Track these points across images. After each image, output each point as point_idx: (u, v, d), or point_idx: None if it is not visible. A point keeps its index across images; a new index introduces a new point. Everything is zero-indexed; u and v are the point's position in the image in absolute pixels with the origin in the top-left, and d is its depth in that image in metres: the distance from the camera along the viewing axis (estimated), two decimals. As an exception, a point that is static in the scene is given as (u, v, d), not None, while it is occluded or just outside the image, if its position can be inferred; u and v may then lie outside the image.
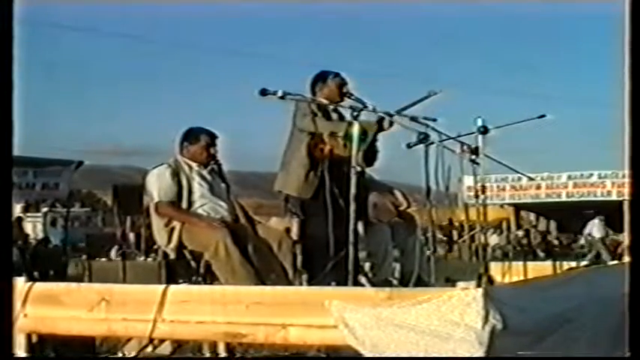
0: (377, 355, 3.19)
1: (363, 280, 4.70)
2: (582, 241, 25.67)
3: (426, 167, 4.21)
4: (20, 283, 4.09)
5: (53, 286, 4.48)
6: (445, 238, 25.36)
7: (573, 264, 7.25)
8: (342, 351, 3.71)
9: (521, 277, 5.62)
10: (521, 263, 6.14)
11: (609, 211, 20.93)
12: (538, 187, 25.67)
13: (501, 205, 26.81)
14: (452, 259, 19.83)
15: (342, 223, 4.53)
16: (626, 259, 4.02)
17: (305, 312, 3.46)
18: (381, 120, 4.90)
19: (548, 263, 7.51)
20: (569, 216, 26.88)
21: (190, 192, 4.99)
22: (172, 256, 4.90)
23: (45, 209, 27.60)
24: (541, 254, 21.20)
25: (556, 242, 26.76)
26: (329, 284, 4.30)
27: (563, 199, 25.45)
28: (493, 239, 22.98)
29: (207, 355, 4.87)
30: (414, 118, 4.54)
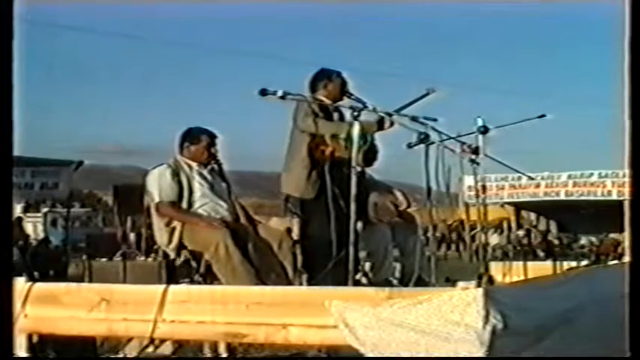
0: (377, 355, 3.19)
1: (363, 280, 4.70)
2: (583, 241, 25.73)
3: (426, 167, 4.21)
4: (20, 283, 4.10)
5: (53, 286, 4.48)
6: (445, 238, 25.37)
7: (574, 264, 7.25)
8: (342, 351, 3.71)
9: (522, 277, 5.62)
10: (521, 263, 6.15)
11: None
12: (537, 187, 25.65)
13: (502, 205, 26.78)
14: (452, 259, 19.84)
15: (342, 223, 4.53)
16: (626, 259, 4.02)
17: (305, 312, 3.46)
18: (381, 120, 4.90)
19: (549, 263, 7.51)
20: (570, 216, 26.88)
21: (191, 192, 4.99)
22: (173, 256, 4.91)
23: (45, 209, 27.58)
24: (541, 254, 21.20)
25: (556, 242, 26.75)
26: (329, 284, 4.30)
27: (563, 198, 25.41)
28: (493, 239, 22.97)
29: (208, 355, 4.87)
30: (414, 118, 4.54)
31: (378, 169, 5.36)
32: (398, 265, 5.36)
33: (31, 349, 4.15)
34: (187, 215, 4.93)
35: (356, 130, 4.47)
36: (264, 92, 4.40)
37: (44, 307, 4.07)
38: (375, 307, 3.23)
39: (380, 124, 4.92)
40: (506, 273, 5.60)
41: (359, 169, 4.44)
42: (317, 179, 5.02)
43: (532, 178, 23.31)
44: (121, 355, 4.63)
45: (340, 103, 5.22)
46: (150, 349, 4.17)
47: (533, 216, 30.47)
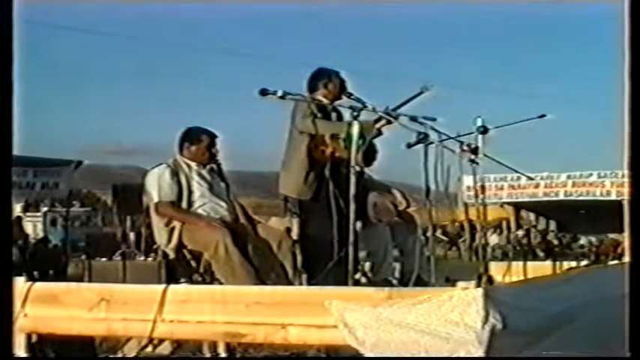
0: (377, 355, 3.19)
1: (362, 279, 4.70)
2: (582, 241, 25.73)
3: (426, 167, 4.21)
4: (20, 283, 4.09)
5: (53, 285, 4.48)
6: (445, 238, 25.39)
7: (573, 264, 7.25)
8: (342, 351, 3.71)
9: (521, 277, 5.61)
10: (521, 263, 6.14)
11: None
12: (537, 187, 25.65)
13: (501, 205, 26.79)
14: (452, 259, 19.85)
15: (341, 223, 4.53)
16: (626, 259, 4.02)
17: (305, 312, 3.46)
18: (379, 120, 4.90)
19: (548, 263, 7.51)
20: (569, 216, 26.90)
21: (190, 192, 4.99)
22: (172, 256, 4.91)
23: (45, 209, 27.59)
24: (541, 254, 21.22)
25: (556, 242, 26.77)
26: (329, 284, 4.30)
27: (563, 198, 25.42)
28: (493, 239, 22.99)
29: (207, 355, 4.87)
30: (413, 118, 4.54)
31: (378, 169, 5.36)
32: (397, 265, 5.37)
33: (31, 348, 4.14)
34: (187, 215, 4.93)
35: (355, 130, 4.46)
36: (264, 92, 4.40)
37: (44, 307, 4.06)
38: (374, 307, 3.23)
39: (379, 130, 4.92)
40: (506, 273, 5.59)
41: (358, 168, 4.44)
42: (316, 179, 5.02)
43: (531, 178, 23.29)
44: (120, 355, 4.63)
45: (339, 102, 5.22)
46: (149, 349, 4.17)
47: (532, 216, 30.50)
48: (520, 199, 26.47)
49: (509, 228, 28.28)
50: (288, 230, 5.15)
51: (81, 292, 4.09)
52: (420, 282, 4.46)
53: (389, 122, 4.87)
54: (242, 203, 5.34)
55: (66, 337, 4.19)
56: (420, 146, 4.28)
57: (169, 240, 4.88)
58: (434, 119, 4.46)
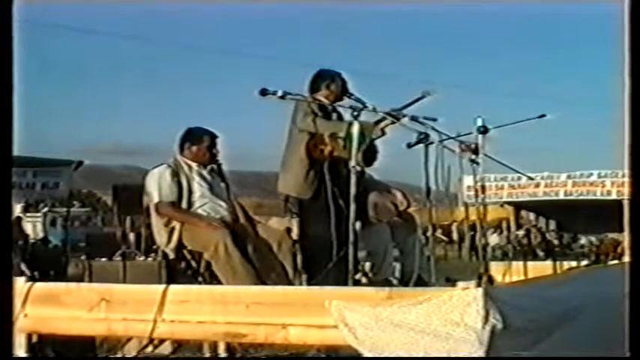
0: (377, 355, 3.19)
1: (362, 279, 4.70)
2: (583, 241, 25.71)
3: (426, 167, 4.21)
4: (20, 283, 4.09)
5: (53, 286, 4.48)
6: (445, 238, 25.37)
7: (574, 264, 7.25)
8: (342, 351, 3.71)
9: (521, 277, 5.62)
10: (521, 263, 6.14)
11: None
12: (537, 186, 25.64)
13: (501, 205, 26.78)
14: (452, 259, 19.83)
15: (342, 222, 4.53)
16: (626, 259, 4.02)
17: (305, 312, 3.46)
18: (381, 120, 4.90)
19: (549, 263, 7.51)
20: (570, 216, 26.86)
21: (190, 192, 4.99)
22: (172, 256, 4.91)
23: (45, 209, 27.59)
24: (541, 254, 21.20)
25: (556, 242, 26.75)
26: (329, 284, 4.30)
27: (563, 198, 25.41)
28: (493, 239, 22.97)
29: (207, 355, 4.87)
30: (413, 118, 4.54)
31: (378, 169, 5.36)
32: (398, 265, 5.36)
33: (31, 348, 4.15)
34: (187, 215, 4.93)
35: (355, 130, 4.47)
36: (264, 92, 4.40)
37: (44, 307, 4.06)
38: (374, 307, 3.23)
39: (383, 130, 4.92)
40: (506, 273, 5.59)
41: (359, 168, 4.44)
42: (315, 179, 5.02)
43: (531, 178, 23.28)
44: (120, 355, 4.63)
45: (340, 103, 5.22)
46: (149, 349, 4.17)
47: (532, 216, 30.48)
48: (520, 199, 26.45)
49: (509, 228, 28.26)
50: (288, 230, 5.15)
51: (81, 292, 4.09)
52: (420, 282, 4.46)
53: (392, 122, 4.87)
54: (242, 203, 5.34)
55: (66, 337, 4.19)
56: (421, 146, 4.28)
57: (169, 240, 4.88)
58: (434, 119, 4.47)
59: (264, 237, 4.94)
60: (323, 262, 4.66)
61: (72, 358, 4.43)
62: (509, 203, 26.91)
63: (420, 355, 3.09)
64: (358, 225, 4.43)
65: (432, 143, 4.24)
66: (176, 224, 4.88)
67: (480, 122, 4.58)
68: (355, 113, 4.52)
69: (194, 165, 5.07)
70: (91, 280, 5.22)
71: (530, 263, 6.40)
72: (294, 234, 5.12)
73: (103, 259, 5.69)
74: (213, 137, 5.15)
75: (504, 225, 28.19)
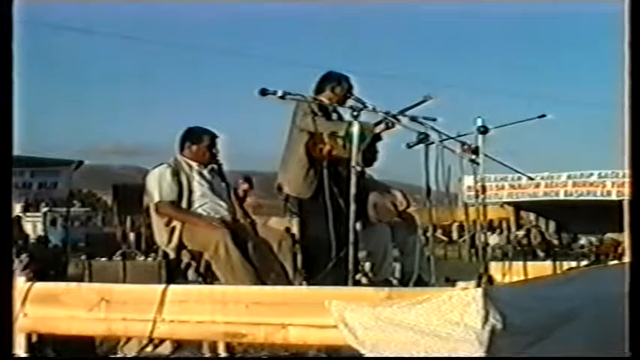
0: (376, 355, 3.19)
1: (362, 280, 4.70)
2: (583, 241, 25.70)
3: (426, 167, 4.21)
4: (20, 282, 4.10)
5: (53, 285, 4.48)
6: (445, 238, 25.37)
7: (573, 264, 7.24)
8: (342, 351, 3.71)
9: (521, 277, 5.61)
10: (521, 263, 6.14)
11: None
12: (537, 187, 25.63)
13: (501, 205, 26.77)
14: (452, 259, 19.83)
15: (342, 222, 4.53)
16: (626, 259, 4.02)
17: (305, 312, 3.46)
18: (379, 123, 4.91)
19: (549, 263, 7.50)
20: (570, 216, 26.85)
21: (190, 192, 4.99)
22: (172, 256, 4.91)
23: (45, 209, 27.59)
24: (541, 254, 21.19)
25: (556, 242, 26.74)
26: (329, 284, 4.31)
27: (563, 198, 25.40)
28: (493, 239, 22.98)
29: (207, 355, 4.87)
30: (413, 118, 4.55)
31: (378, 169, 5.36)
32: (398, 265, 5.36)
33: (31, 348, 4.15)
34: (187, 215, 4.93)
35: (355, 130, 4.47)
36: (264, 92, 4.40)
37: (44, 307, 4.07)
38: (374, 307, 3.23)
39: (379, 135, 4.93)
40: (506, 273, 5.59)
41: (359, 168, 4.44)
42: (315, 178, 5.03)
43: (532, 178, 23.26)
44: (120, 355, 4.63)
45: (341, 105, 5.22)
46: (149, 349, 4.17)
47: (532, 216, 30.46)
48: (520, 199, 26.44)
49: (509, 228, 28.27)
50: (288, 230, 5.15)
51: (81, 292, 4.09)
52: (420, 282, 4.46)
53: (387, 127, 4.88)
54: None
55: (66, 337, 4.19)
56: (421, 146, 4.29)
57: (169, 240, 4.89)
58: (434, 119, 4.47)
59: (264, 237, 4.94)
60: (323, 262, 4.66)
61: (72, 358, 4.43)
62: (509, 203, 26.90)
63: (420, 355, 3.10)
64: (358, 225, 4.44)
65: (432, 143, 4.24)
66: (176, 224, 4.88)
67: (479, 122, 4.58)
68: (355, 113, 4.52)
69: (194, 165, 5.08)
70: (90, 280, 5.20)
71: (530, 263, 6.40)
72: (294, 234, 5.12)
73: (103, 259, 5.67)
74: (213, 137, 5.15)
75: (504, 225, 28.20)
